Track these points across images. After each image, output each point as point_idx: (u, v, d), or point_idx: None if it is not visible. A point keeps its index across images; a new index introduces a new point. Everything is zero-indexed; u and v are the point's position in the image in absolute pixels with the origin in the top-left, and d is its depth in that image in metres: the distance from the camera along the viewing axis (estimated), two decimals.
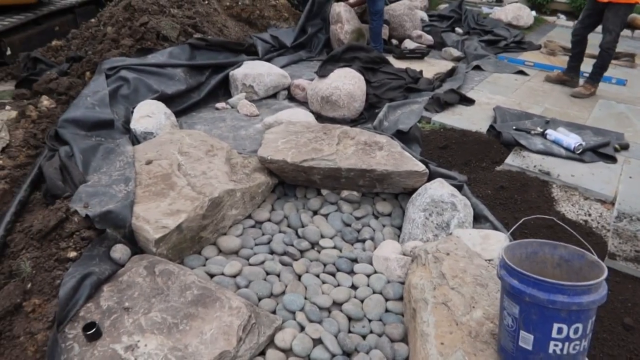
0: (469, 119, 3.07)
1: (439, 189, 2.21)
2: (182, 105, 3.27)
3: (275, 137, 2.68)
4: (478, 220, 2.19)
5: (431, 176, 2.43)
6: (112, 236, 1.96)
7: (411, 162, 2.45)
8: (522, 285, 1.22)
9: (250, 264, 2.07)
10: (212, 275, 1.97)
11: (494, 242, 1.94)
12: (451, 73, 3.99)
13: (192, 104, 3.36)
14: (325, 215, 2.44)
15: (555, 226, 1.96)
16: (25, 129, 2.69)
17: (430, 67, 4.11)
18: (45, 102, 3.03)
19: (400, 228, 2.39)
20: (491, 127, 2.89)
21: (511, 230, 1.67)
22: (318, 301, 1.84)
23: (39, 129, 2.70)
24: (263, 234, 2.30)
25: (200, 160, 2.43)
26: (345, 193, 2.58)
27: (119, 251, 1.93)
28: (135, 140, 2.76)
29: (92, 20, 4.07)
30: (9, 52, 3.87)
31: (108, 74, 3.09)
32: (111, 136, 2.71)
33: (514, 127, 2.85)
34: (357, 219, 2.42)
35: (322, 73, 3.42)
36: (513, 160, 2.60)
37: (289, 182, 2.61)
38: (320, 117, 3.42)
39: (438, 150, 2.68)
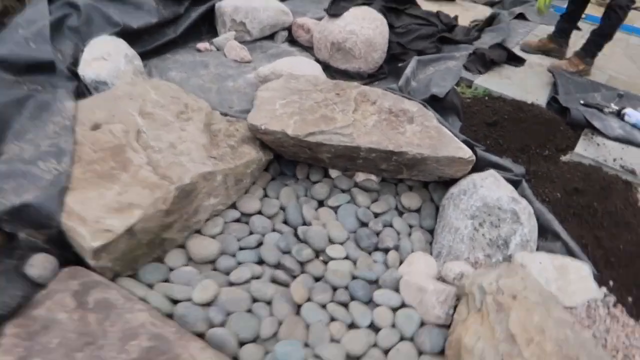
0: (522, 86, 2.41)
1: (495, 189, 1.60)
2: (152, 45, 2.54)
3: (271, 95, 2.02)
4: (543, 234, 1.61)
5: (477, 164, 1.82)
6: (28, 243, 1.35)
7: (453, 144, 1.82)
8: None
9: (231, 283, 1.50)
10: (175, 302, 1.40)
11: (576, 279, 1.38)
12: (490, 21, 3.25)
13: (165, 43, 2.62)
14: (335, 208, 1.84)
15: None
16: None
17: (465, 12, 3.35)
18: None
19: (431, 232, 1.81)
20: (553, 99, 2.24)
21: None
22: (325, 354, 1.29)
23: None
24: (251, 233, 1.71)
25: (168, 125, 1.78)
26: (360, 177, 1.97)
27: (39, 265, 1.33)
28: (86, 91, 2.08)
29: None
30: None
31: None
32: (52, 84, 2.01)
33: (582, 102, 2.21)
34: (376, 215, 1.84)
35: (334, 12, 2.68)
36: (585, 150, 1.98)
37: (287, 157, 1.99)
38: (328, 69, 2.73)
39: (485, 128, 2.05)
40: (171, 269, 1.54)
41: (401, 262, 1.65)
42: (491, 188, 1.61)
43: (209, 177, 1.63)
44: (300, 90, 2.07)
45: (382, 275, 1.55)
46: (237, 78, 2.52)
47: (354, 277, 1.55)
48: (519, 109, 2.09)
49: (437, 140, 1.84)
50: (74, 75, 2.08)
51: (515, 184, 1.73)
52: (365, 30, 2.57)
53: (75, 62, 2.15)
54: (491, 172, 1.71)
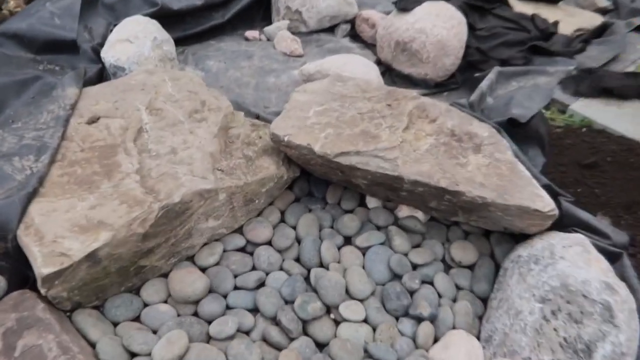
0: (636, 119, 1.84)
1: (582, 266, 1.14)
2: (195, 29, 2.30)
3: (308, 99, 1.67)
4: None
5: (559, 220, 1.35)
6: None
7: (529, 189, 1.36)
8: None
9: (208, 337, 1.19)
10: (133, 355, 1.11)
11: None
12: (600, 32, 2.65)
13: (211, 28, 2.37)
14: (364, 250, 1.47)
15: None
16: None
17: (568, 19, 2.76)
18: (12, 2, 2.18)
19: (485, 300, 1.38)
20: None
21: None
22: None
23: None
24: (253, 268, 1.39)
25: (176, 126, 1.50)
26: (403, 212, 1.58)
27: None
28: (109, 75, 1.87)
29: None
30: None
31: None
32: (74, 65, 1.84)
33: None
34: (415, 267, 1.43)
35: (404, 5, 2.27)
36: None
37: (318, 176, 1.64)
38: (389, 72, 2.34)
39: (577, 170, 1.55)
40: (145, 304, 1.26)
41: (436, 340, 1.24)
42: (576, 262, 1.14)
43: (208, 195, 1.32)
44: (344, 96, 1.71)
45: (406, 359, 1.16)
46: (281, 74, 2.20)
47: (367, 354, 1.18)
48: (629, 150, 1.56)
49: (508, 180, 1.39)
50: (100, 58, 1.88)
51: (613, 258, 1.24)
52: (438, 29, 2.14)
53: (104, 42, 1.95)
54: (579, 239, 1.23)
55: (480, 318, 1.33)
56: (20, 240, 1.14)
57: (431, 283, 1.40)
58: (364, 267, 1.42)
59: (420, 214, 1.59)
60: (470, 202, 1.35)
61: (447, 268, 1.47)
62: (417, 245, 1.52)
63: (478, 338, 1.25)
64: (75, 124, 1.44)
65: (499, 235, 1.50)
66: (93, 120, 1.45)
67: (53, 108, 1.46)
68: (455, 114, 1.69)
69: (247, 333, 1.23)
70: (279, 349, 1.19)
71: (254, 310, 1.28)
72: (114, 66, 1.78)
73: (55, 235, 1.13)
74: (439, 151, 1.51)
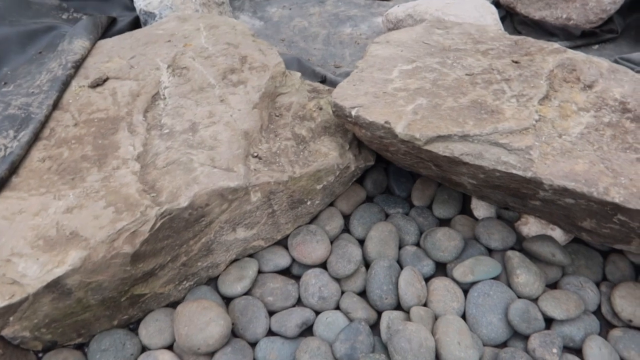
0: None
1: None
2: None
3: (391, 54, 1.16)
4: None
5: None
6: None
7: None
8: None
9: None
10: None
11: None
12: None
13: None
14: (466, 286, 0.96)
15: None
16: None
17: None
18: None
19: None
20: None
21: None
22: None
23: None
24: (298, 303, 0.96)
25: (204, 91, 1.07)
26: (530, 226, 1.05)
27: None
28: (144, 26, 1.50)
29: None
30: None
31: None
32: (106, 13, 1.49)
33: None
34: (550, 322, 0.90)
35: None
36: None
37: (399, 165, 1.14)
38: (511, 17, 1.70)
39: None
40: (144, 348, 0.89)
41: None
42: None
43: (233, 196, 0.90)
44: (446, 48, 1.16)
45: None
46: (360, 22, 1.68)
47: None
48: None
49: None
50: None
51: None
52: None
53: None
54: None
55: None
56: None
57: (579, 352, 0.87)
58: (464, 316, 0.92)
59: (558, 233, 1.03)
60: None
61: (607, 327, 0.92)
62: (554, 285, 0.97)
63: None
64: (76, 88, 1.08)
65: None
66: (98, 83, 1.08)
67: (53, 66, 1.11)
68: (625, 76, 1.07)
69: None
70: None
71: None
72: (145, 12, 1.40)
73: (12, 251, 0.79)
74: (603, 137, 0.93)
